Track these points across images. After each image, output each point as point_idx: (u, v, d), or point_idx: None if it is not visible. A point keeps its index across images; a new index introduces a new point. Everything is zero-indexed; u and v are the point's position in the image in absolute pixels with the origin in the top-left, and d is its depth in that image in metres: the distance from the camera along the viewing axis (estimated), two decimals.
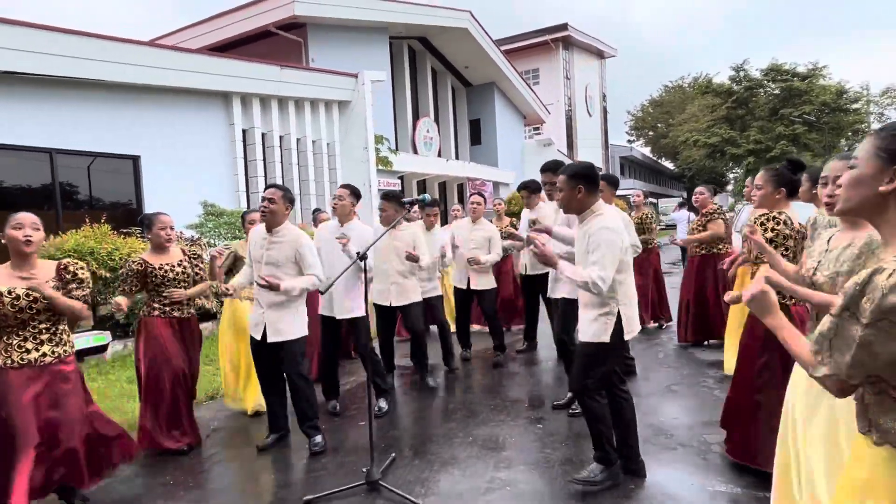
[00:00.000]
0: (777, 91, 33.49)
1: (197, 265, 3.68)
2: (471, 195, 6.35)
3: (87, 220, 6.29)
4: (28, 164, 7.30)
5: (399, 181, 14.43)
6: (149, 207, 8.37)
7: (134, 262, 3.47)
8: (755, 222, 2.77)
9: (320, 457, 3.40)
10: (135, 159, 8.37)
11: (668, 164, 46.82)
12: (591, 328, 2.77)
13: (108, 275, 5.67)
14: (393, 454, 3.28)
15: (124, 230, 6.73)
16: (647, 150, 45.95)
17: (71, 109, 7.55)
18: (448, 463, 3.19)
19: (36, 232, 2.56)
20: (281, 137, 10.64)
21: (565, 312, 3.86)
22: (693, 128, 35.46)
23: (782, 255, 2.62)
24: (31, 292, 2.50)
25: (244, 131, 9.96)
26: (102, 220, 6.42)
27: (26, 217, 2.55)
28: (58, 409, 2.60)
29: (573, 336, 3.75)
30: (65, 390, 2.62)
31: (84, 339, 5.23)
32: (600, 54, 33.87)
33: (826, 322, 1.14)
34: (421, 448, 3.42)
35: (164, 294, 3.48)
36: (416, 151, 16.36)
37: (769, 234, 2.68)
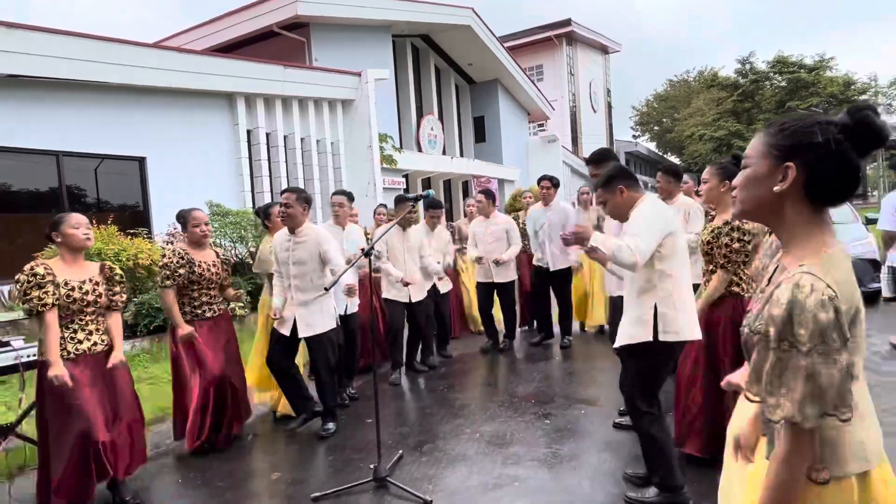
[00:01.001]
0: (784, 83, 33.25)
1: (227, 269, 3.67)
2: (477, 192, 6.34)
3: (95, 222, 6.31)
4: (35, 167, 7.35)
5: (404, 179, 14.42)
6: (155, 208, 8.41)
7: (181, 251, 3.39)
8: (718, 234, 2.69)
9: (328, 454, 3.40)
10: (141, 161, 8.41)
11: (674, 159, 46.55)
12: (626, 329, 2.50)
13: None
14: (400, 451, 3.27)
15: (131, 231, 6.77)
16: (652, 145, 45.70)
17: (77, 112, 7.59)
18: (456, 459, 3.18)
19: (90, 230, 2.79)
20: (285, 137, 10.66)
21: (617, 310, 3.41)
22: (699, 122, 35.25)
23: (743, 262, 2.65)
24: (83, 284, 2.70)
25: (249, 131, 9.99)
26: (109, 222, 6.46)
27: (82, 217, 2.77)
28: (113, 393, 2.77)
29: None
30: (117, 374, 2.80)
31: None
32: (604, 50, 33.71)
33: (765, 355, 1.00)
34: (428, 445, 3.42)
35: (194, 294, 3.44)
36: (420, 149, 16.34)
37: (736, 245, 2.62)
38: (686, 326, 2.42)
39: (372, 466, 2.95)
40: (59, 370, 2.53)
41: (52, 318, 2.59)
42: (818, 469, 1.02)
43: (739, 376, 1.31)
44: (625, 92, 66.18)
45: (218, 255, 3.63)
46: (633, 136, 46.48)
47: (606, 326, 5.90)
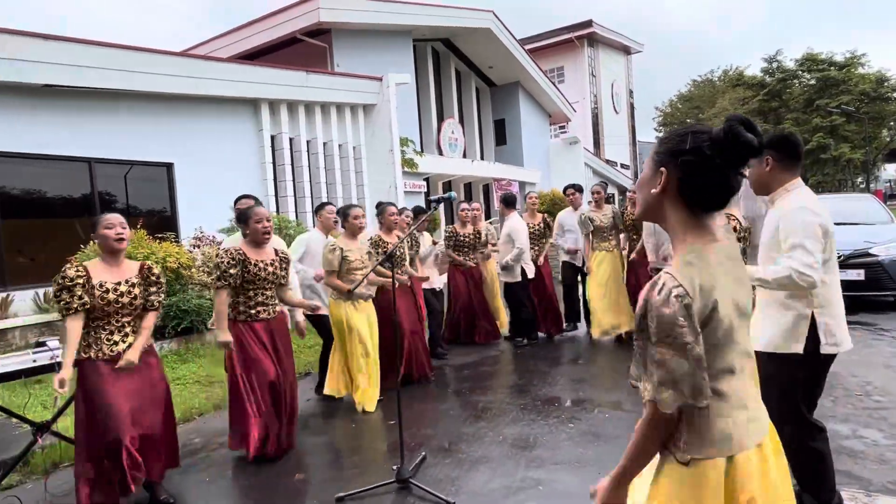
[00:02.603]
0: (813, 81, 32.38)
1: (286, 267, 3.52)
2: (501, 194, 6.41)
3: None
4: (69, 174, 7.57)
5: (425, 183, 14.47)
6: (182, 213, 8.59)
7: (235, 250, 3.27)
8: None
9: (352, 455, 3.42)
10: (168, 167, 8.61)
11: None
12: (769, 333, 2.22)
13: None
14: (423, 453, 3.27)
15: (159, 235, 6.92)
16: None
17: (108, 119, 7.80)
18: (479, 462, 3.17)
19: (125, 230, 2.78)
20: (308, 142, 10.79)
21: None
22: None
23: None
24: (119, 286, 2.72)
25: (272, 137, 10.14)
26: (139, 226, 6.62)
27: (116, 217, 2.77)
28: (146, 396, 2.77)
29: None
30: (152, 378, 2.81)
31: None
32: (626, 50, 33.36)
33: (635, 345, 1.16)
34: (451, 447, 3.41)
35: (249, 294, 3.34)
36: (441, 153, 16.38)
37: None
38: (846, 337, 2.23)
39: (395, 468, 2.95)
40: (66, 373, 2.54)
41: (72, 322, 2.59)
42: (682, 451, 1.13)
43: None
44: (648, 92, 65.46)
45: (277, 253, 3.49)
46: (657, 138, 45.90)
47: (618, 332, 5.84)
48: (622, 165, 31.45)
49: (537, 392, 4.38)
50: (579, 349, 5.67)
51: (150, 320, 2.90)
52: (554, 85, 22.02)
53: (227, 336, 3.25)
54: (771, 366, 2.16)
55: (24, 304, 6.51)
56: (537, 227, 6.04)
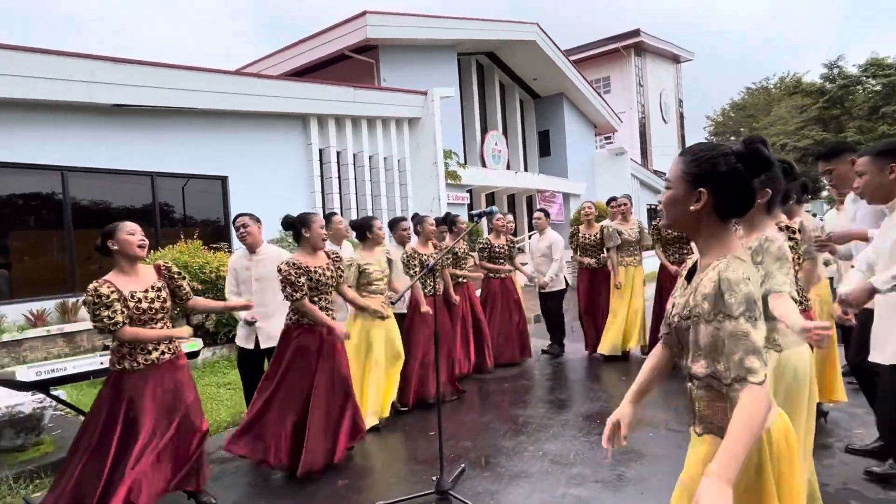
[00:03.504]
0: (878, 87, 30.65)
1: (339, 268, 3.55)
2: (536, 210, 6.35)
3: (182, 237, 6.85)
4: (133, 187, 8.07)
5: (468, 195, 14.56)
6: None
7: (294, 263, 3.27)
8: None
9: (392, 464, 3.48)
10: (223, 179, 9.03)
11: None
12: None
13: (199, 287, 6.12)
14: (463, 465, 3.29)
15: (214, 245, 7.26)
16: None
17: (168, 136, 8.28)
18: (518, 477, 3.16)
19: (144, 238, 2.77)
20: (354, 155, 11.08)
21: (864, 327, 2.80)
22: (780, 131, 33.16)
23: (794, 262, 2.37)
24: (148, 294, 2.70)
25: (321, 150, 10.48)
26: (195, 237, 6.96)
27: (135, 225, 2.76)
28: (178, 404, 2.75)
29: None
30: (182, 385, 2.79)
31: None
32: (676, 59, 32.62)
33: (703, 330, 1.25)
34: (490, 460, 3.41)
35: (314, 300, 3.35)
36: (484, 165, 16.46)
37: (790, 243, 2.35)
38: None
39: (434, 479, 2.98)
40: (182, 332, 2.73)
41: (130, 330, 2.60)
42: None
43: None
44: (699, 101, 63.43)
45: (329, 256, 3.51)
46: (679, 156, 44.41)
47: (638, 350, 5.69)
48: None
49: (578, 408, 4.32)
50: (622, 365, 5.55)
51: (199, 299, 2.99)
52: (599, 95, 21.78)
53: (340, 327, 3.40)
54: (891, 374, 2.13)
55: None
56: (594, 238, 5.92)
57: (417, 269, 4.59)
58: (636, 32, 28.02)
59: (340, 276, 3.54)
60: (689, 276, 1.43)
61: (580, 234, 5.96)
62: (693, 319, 1.28)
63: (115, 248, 2.68)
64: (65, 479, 2.59)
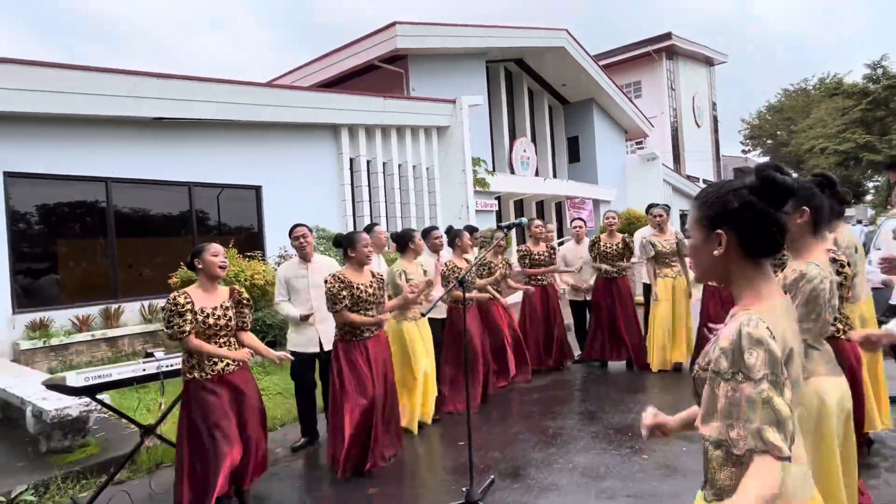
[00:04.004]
0: None
1: (382, 286, 3.73)
2: (572, 220, 6.31)
3: None
4: (171, 196, 8.35)
5: (496, 202, 14.55)
6: (269, 233, 9.19)
7: (338, 277, 3.49)
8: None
9: (423, 473, 3.50)
10: (257, 189, 9.26)
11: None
12: None
13: None
14: (492, 476, 3.29)
15: (248, 254, 7.45)
16: (765, 160, 42.30)
17: (204, 146, 8.54)
18: (548, 489, 3.14)
19: (226, 260, 3.05)
20: (384, 164, 11.22)
21: None
22: (820, 133, 32.10)
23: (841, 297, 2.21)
24: (216, 311, 2.94)
25: (351, 160, 10.64)
26: (231, 245, 7.16)
27: (219, 247, 3.04)
28: (243, 410, 2.98)
29: None
30: (246, 393, 3.01)
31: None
32: (709, 61, 32.00)
33: (719, 389, 1.10)
34: (520, 472, 3.40)
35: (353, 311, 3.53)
36: (512, 171, 16.43)
37: (839, 278, 2.17)
38: None
39: (464, 489, 2.99)
40: (241, 355, 2.94)
41: (195, 340, 2.85)
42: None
43: None
44: (734, 104, 61.87)
45: (373, 275, 3.69)
46: (743, 151, 43.35)
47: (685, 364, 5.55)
48: (705, 181, 29.97)
49: (609, 420, 4.27)
50: (654, 377, 5.46)
51: (251, 335, 3.15)
52: (630, 100, 21.52)
53: (384, 315, 3.68)
54: None
55: (133, 314, 7.21)
56: (616, 247, 5.83)
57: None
58: (667, 35, 27.61)
59: (382, 294, 3.72)
60: None
61: (601, 243, 5.88)
62: (710, 375, 1.14)
63: (200, 266, 2.96)
64: (183, 479, 2.89)
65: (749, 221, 1.17)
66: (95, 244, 7.62)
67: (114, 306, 7.18)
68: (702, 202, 1.23)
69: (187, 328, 2.83)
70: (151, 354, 3.21)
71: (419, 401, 4.25)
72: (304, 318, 3.95)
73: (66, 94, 6.89)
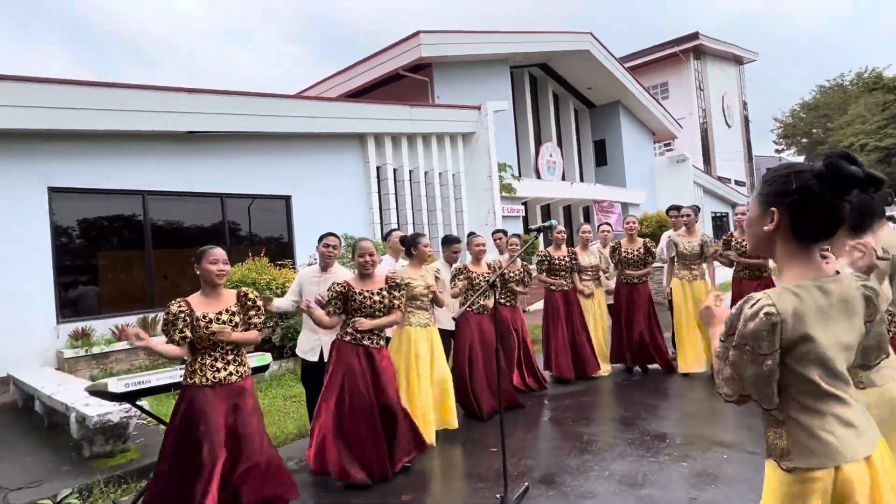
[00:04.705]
0: None
1: (394, 293, 3.65)
2: (599, 225, 6.23)
3: (250, 255, 7.19)
4: (205, 208, 8.56)
5: (522, 207, 14.47)
6: (298, 241, 9.32)
7: (338, 283, 3.51)
8: None
9: (457, 480, 3.47)
10: (286, 199, 9.42)
11: None
12: None
13: None
14: (527, 483, 3.24)
15: (279, 262, 7.56)
16: (800, 160, 41.06)
17: (235, 158, 8.75)
18: (584, 497, 3.07)
19: (226, 266, 2.94)
20: (410, 171, 11.29)
21: None
22: (859, 130, 31.00)
23: None
24: (220, 316, 2.85)
25: (378, 168, 10.75)
26: (262, 254, 7.29)
27: (220, 253, 2.92)
28: (241, 424, 2.86)
29: None
30: (246, 407, 2.90)
31: (250, 360, 5.94)
32: (738, 60, 31.33)
33: (718, 345, 1.33)
34: (555, 479, 3.34)
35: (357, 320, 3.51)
36: (539, 176, 16.34)
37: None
38: None
39: (498, 496, 2.95)
40: (149, 342, 2.70)
41: (172, 348, 2.76)
42: (786, 460, 1.24)
43: None
44: (766, 103, 60.26)
45: (387, 281, 3.65)
46: (777, 151, 42.18)
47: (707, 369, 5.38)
48: (737, 182, 29.24)
49: (646, 426, 4.16)
50: (691, 382, 5.31)
51: (252, 334, 2.99)
52: (657, 101, 21.20)
53: (326, 320, 3.52)
54: None
55: None
56: (637, 253, 5.75)
57: (463, 286, 4.64)
58: (694, 35, 27.15)
59: (394, 302, 3.63)
60: None
61: (622, 249, 5.78)
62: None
63: (198, 272, 2.91)
64: (157, 484, 2.79)
65: (803, 204, 1.22)
66: (133, 256, 7.86)
67: (151, 315, 7.38)
68: (765, 179, 1.30)
69: (176, 337, 2.75)
70: (185, 361, 3.26)
71: (432, 408, 4.09)
72: (300, 307, 3.72)
73: (104, 112, 7.15)
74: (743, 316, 1.21)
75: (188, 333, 2.79)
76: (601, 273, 5.94)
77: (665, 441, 3.81)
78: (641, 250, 5.72)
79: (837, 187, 1.19)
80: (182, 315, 2.77)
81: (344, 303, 3.52)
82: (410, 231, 10.74)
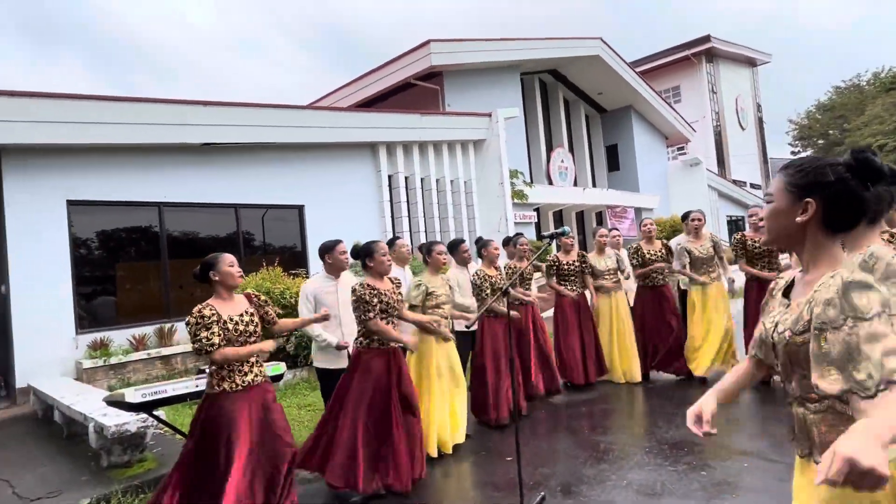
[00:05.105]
0: None
1: (400, 292, 3.70)
2: (610, 230, 6.19)
3: (264, 264, 7.24)
4: (219, 218, 8.66)
5: (535, 213, 14.43)
6: (312, 251, 9.38)
7: (367, 284, 3.47)
8: None
9: (471, 490, 3.44)
10: (300, 209, 9.50)
11: None
12: None
13: (280, 311, 6.42)
14: (543, 493, 3.20)
15: (293, 272, 7.61)
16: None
17: (249, 169, 8.84)
18: None
19: (240, 269, 3.02)
20: (422, 179, 11.32)
21: None
22: (877, 131, 30.49)
23: None
24: (243, 318, 2.89)
25: (389, 176, 10.80)
26: (276, 264, 7.34)
27: (232, 257, 2.99)
28: (268, 424, 2.88)
29: None
30: (272, 407, 2.94)
31: (266, 369, 5.97)
32: (751, 62, 31.07)
33: (833, 340, 1.11)
34: (572, 488, 3.30)
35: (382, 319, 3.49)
36: (551, 182, 16.29)
37: None
38: None
39: None
40: (267, 346, 2.88)
41: (220, 353, 2.74)
42: None
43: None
44: (780, 105, 59.53)
45: (392, 282, 3.68)
46: (792, 153, 41.62)
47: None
48: (752, 185, 28.90)
49: (663, 434, 4.10)
50: (708, 389, 5.23)
51: (284, 322, 3.12)
52: (669, 105, 21.08)
53: (410, 338, 3.63)
54: None
55: (185, 333, 7.44)
56: (657, 254, 5.69)
57: (489, 292, 4.64)
58: (706, 38, 26.99)
59: (401, 301, 3.67)
60: (787, 293, 1.36)
61: (643, 251, 5.72)
62: (815, 332, 1.16)
63: (217, 278, 2.89)
64: (167, 493, 2.75)
65: (838, 196, 1.22)
66: (149, 266, 7.96)
67: (167, 326, 7.46)
68: (796, 169, 1.28)
69: (216, 340, 2.73)
70: (203, 371, 3.28)
71: (439, 421, 4.05)
72: (340, 349, 3.86)
73: (122, 125, 7.29)
74: (856, 285, 1.10)
75: (222, 336, 2.78)
76: (619, 275, 5.88)
77: (683, 449, 3.75)
78: (662, 251, 5.67)
79: (868, 180, 1.20)
80: (216, 318, 2.79)
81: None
82: (423, 239, 10.76)
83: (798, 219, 1.26)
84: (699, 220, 5.52)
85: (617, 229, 6.29)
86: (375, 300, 3.43)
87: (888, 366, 1.00)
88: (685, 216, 5.80)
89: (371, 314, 3.40)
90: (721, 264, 5.51)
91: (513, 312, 4.83)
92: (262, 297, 3.10)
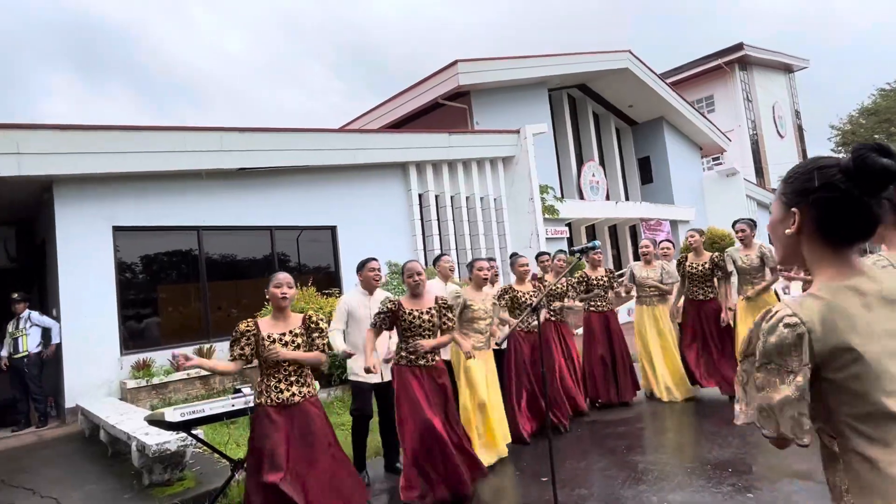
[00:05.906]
0: None
1: (446, 315, 3.68)
2: (660, 241, 6.10)
3: (298, 284, 7.37)
4: (255, 240, 8.89)
5: (566, 228, 14.29)
6: (345, 270, 9.51)
7: (390, 300, 3.62)
8: None
9: None
10: (332, 229, 9.66)
11: None
12: None
13: None
14: None
15: (326, 291, 7.73)
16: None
17: (284, 192, 9.08)
18: None
19: (290, 290, 3.08)
20: (452, 197, 11.38)
21: None
22: None
23: None
24: (283, 337, 2.97)
25: (420, 195, 10.90)
26: (309, 284, 7.47)
27: (285, 277, 3.09)
28: (306, 444, 2.92)
29: None
30: (311, 428, 2.96)
31: (315, 387, 6.05)
32: (787, 68, 30.30)
33: (738, 368, 1.16)
34: None
35: (408, 340, 3.54)
36: (582, 197, 16.13)
37: None
38: None
39: None
40: (196, 360, 2.86)
41: (229, 364, 2.97)
42: (845, 501, 1.05)
43: None
44: (821, 110, 57.50)
45: (437, 302, 3.68)
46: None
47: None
48: None
49: (705, 455, 3.94)
50: None
51: (315, 354, 3.06)
52: (703, 115, 20.70)
53: (347, 348, 3.77)
54: None
55: (223, 353, 7.63)
56: (703, 267, 5.50)
57: (509, 306, 4.75)
58: (739, 46, 26.51)
59: (444, 325, 3.67)
60: None
61: (688, 263, 5.56)
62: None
63: (267, 297, 3.09)
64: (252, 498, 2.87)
65: (829, 203, 1.08)
66: (189, 288, 8.21)
67: (206, 346, 7.65)
68: (785, 177, 1.18)
69: (235, 353, 2.95)
70: (240, 391, 3.35)
71: (486, 433, 4.09)
72: (348, 356, 3.88)
73: (163, 153, 7.61)
74: (761, 331, 1.07)
75: (247, 351, 2.96)
76: (662, 288, 5.71)
77: (728, 470, 3.59)
78: (708, 265, 5.49)
79: (868, 183, 1.04)
80: (248, 333, 2.96)
81: (392, 321, 3.59)
82: (454, 257, 10.78)
83: (787, 231, 1.14)
84: (742, 230, 5.32)
85: (650, 240, 6.10)
86: (384, 315, 3.57)
87: (759, 421, 1.08)
88: (733, 225, 5.63)
89: (373, 321, 3.60)
90: (772, 275, 5.25)
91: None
92: (314, 322, 3.11)
